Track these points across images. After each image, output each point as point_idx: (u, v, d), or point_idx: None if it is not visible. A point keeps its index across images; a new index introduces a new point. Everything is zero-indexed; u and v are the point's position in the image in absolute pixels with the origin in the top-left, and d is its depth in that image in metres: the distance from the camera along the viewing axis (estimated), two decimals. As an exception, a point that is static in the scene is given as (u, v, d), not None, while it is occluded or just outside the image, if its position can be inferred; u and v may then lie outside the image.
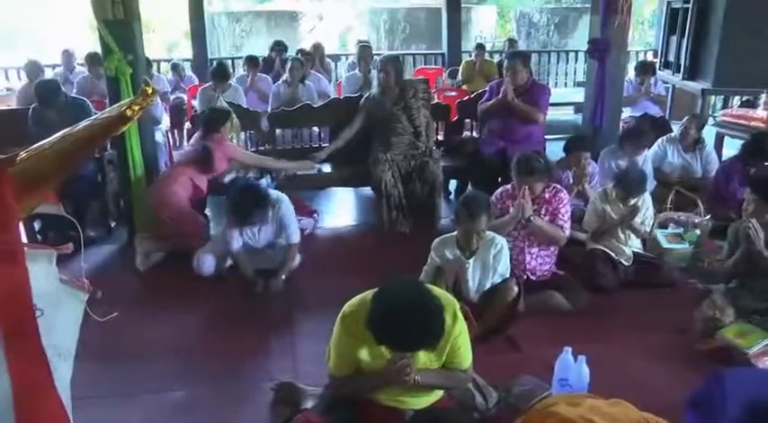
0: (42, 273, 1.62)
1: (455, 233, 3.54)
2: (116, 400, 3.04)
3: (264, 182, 4.88)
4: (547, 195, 3.91)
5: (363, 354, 2.36)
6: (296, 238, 4.26)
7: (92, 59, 6.78)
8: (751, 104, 6.97)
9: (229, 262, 4.42)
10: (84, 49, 7.38)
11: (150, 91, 1.42)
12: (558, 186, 4.01)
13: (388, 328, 2.11)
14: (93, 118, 1.42)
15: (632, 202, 4.15)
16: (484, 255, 3.47)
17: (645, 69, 7.02)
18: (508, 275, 3.52)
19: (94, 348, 3.28)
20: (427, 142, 5.18)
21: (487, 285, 3.51)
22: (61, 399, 1.64)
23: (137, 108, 1.39)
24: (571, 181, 4.72)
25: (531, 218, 3.75)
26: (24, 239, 4.15)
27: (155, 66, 8.89)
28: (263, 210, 4.06)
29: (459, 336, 2.39)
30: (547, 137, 5.59)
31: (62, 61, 8.00)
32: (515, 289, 3.42)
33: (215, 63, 7.68)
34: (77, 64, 8.12)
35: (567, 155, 4.83)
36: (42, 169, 1.38)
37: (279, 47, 8.11)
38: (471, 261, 3.47)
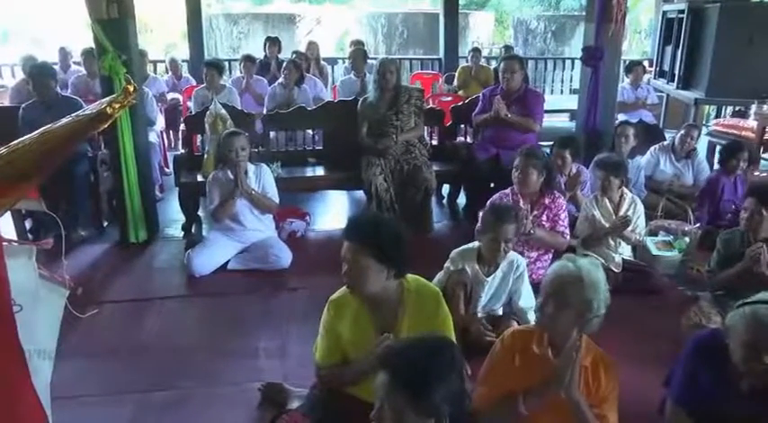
0: (22, 268, 1.62)
1: (476, 245, 3.41)
2: (104, 399, 3.03)
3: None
4: (547, 200, 3.91)
5: (348, 336, 2.42)
6: (276, 199, 4.53)
7: (88, 55, 6.78)
8: (742, 114, 7.02)
9: (221, 262, 4.45)
10: (81, 46, 7.37)
11: (132, 89, 1.42)
12: (557, 192, 4.02)
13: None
14: (73, 115, 1.42)
15: (623, 211, 4.17)
16: (504, 275, 3.37)
17: (634, 68, 7.28)
18: (533, 305, 3.29)
19: (82, 347, 3.32)
20: (397, 135, 5.08)
21: (497, 306, 3.44)
22: (39, 396, 1.64)
23: (117, 106, 1.39)
24: (563, 187, 4.73)
25: (533, 231, 3.73)
26: (13, 237, 4.17)
27: (151, 66, 8.92)
28: None
29: (443, 322, 2.42)
30: (541, 143, 5.60)
31: (58, 59, 8.00)
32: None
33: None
34: (73, 62, 8.13)
35: (551, 154, 4.85)
36: (22, 166, 1.37)
37: (271, 41, 8.13)
38: (489, 279, 3.36)
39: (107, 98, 1.46)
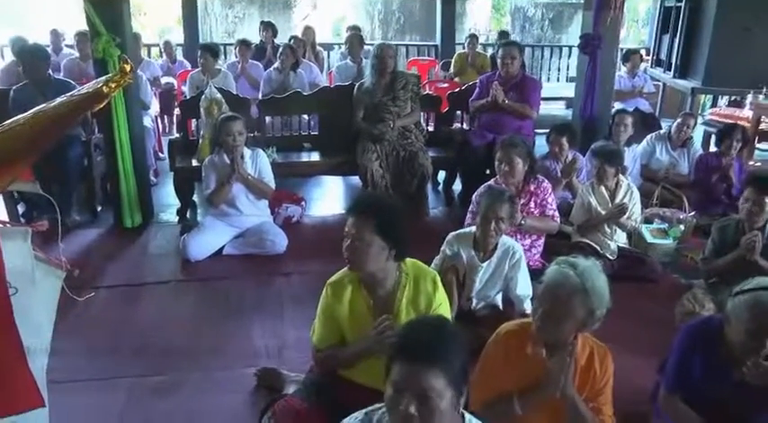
0: (17, 250, 1.60)
1: (472, 229, 3.38)
2: (98, 384, 3.02)
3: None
4: (532, 187, 3.89)
5: (346, 318, 2.40)
6: (272, 184, 4.52)
7: (82, 37, 6.69)
8: (738, 104, 7.03)
9: (216, 247, 4.44)
10: (73, 28, 7.27)
11: (128, 68, 1.40)
12: (540, 177, 4.01)
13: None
14: (69, 95, 1.40)
15: (619, 198, 4.18)
16: (499, 261, 3.33)
17: (632, 56, 7.25)
18: (530, 293, 3.30)
19: (76, 331, 3.30)
20: (394, 120, 5.07)
21: (492, 293, 3.41)
22: (35, 378, 1.63)
23: (113, 85, 1.37)
24: (559, 173, 4.73)
25: (523, 222, 3.71)
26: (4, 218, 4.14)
27: (145, 50, 8.83)
28: None
29: (440, 306, 2.42)
30: (537, 131, 5.60)
31: (50, 41, 7.89)
32: None
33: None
34: (65, 45, 8.03)
35: (548, 141, 4.87)
36: (16, 146, 1.36)
37: (265, 26, 8.08)
38: (485, 265, 3.33)
39: (103, 77, 1.44)
